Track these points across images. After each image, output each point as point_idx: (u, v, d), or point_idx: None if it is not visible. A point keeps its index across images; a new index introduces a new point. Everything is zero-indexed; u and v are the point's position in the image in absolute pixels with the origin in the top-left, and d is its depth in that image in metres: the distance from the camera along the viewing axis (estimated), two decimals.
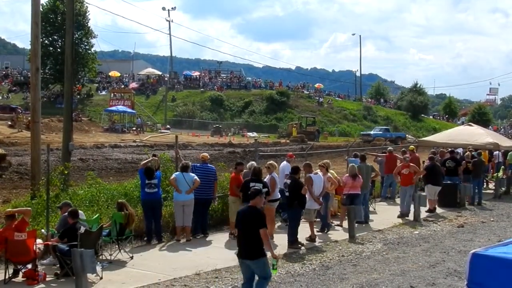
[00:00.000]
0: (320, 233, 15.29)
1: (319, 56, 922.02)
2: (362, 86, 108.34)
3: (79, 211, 11.84)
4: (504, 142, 27.92)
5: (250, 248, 8.91)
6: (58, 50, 68.10)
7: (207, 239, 14.58)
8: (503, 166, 26.38)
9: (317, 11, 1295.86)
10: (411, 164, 18.98)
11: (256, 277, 9.17)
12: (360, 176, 16.61)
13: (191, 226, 14.43)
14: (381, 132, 61.56)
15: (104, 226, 12.15)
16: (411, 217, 17.92)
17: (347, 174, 16.73)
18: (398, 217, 18.08)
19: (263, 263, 8.95)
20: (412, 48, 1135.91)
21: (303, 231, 14.35)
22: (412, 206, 18.14)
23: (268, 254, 9.02)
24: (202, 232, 14.77)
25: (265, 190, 12.79)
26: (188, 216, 14.23)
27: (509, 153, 26.96)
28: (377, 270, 11.87)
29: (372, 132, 61.66)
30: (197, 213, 14.63)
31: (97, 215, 12.93)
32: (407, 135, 67.04)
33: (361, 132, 67.75)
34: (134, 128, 61.54)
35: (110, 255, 12.13)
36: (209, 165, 15.39)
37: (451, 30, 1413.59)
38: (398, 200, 21.66)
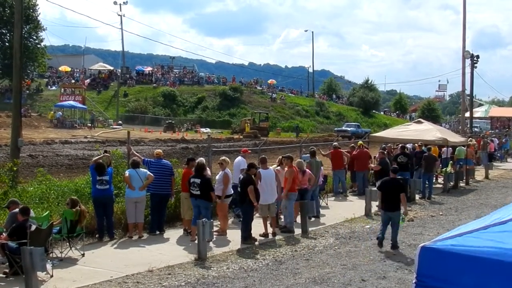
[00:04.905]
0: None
1: (272, 52, 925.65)
2: (315, 82, 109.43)
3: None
4: (453, 137, 28.53)
5: (393, 205, 13.51)
6: (7, 44, 66.63)
7: (161, 236, 14.49)
8: (451, 161, 26.95)
9: (270, 6, 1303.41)
10: (293, 167, 15.55)
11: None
12: (308, 171, 16.68)
13: (143, 222, 14.33)
14: (354, 128, 63.42)
15: (54, 223, 11.96)
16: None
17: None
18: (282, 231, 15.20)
19: (399, 214, 13.55)
20: (364, 44, 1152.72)
21: (259, 226, 14.46)
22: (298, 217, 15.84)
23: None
24: (158, 229, 14.64)
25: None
26: (140, 212, 14.13)
27: (457, 148, 27.60)
28: (329, 264, 12.01)
29: (349, 129, 63.29)
30: (154, 210, 14.53)
31: (47, 213, 12.72)
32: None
33: (336, 129, 68.76)
34: (89, 124, 60.76)
35: (61, 252, 11.96)
36: (163, 160, 15.27)
37: (402, 27, 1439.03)
38: (350, 197, 21.95)
